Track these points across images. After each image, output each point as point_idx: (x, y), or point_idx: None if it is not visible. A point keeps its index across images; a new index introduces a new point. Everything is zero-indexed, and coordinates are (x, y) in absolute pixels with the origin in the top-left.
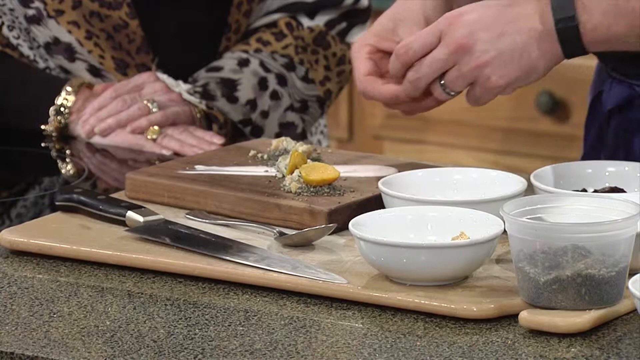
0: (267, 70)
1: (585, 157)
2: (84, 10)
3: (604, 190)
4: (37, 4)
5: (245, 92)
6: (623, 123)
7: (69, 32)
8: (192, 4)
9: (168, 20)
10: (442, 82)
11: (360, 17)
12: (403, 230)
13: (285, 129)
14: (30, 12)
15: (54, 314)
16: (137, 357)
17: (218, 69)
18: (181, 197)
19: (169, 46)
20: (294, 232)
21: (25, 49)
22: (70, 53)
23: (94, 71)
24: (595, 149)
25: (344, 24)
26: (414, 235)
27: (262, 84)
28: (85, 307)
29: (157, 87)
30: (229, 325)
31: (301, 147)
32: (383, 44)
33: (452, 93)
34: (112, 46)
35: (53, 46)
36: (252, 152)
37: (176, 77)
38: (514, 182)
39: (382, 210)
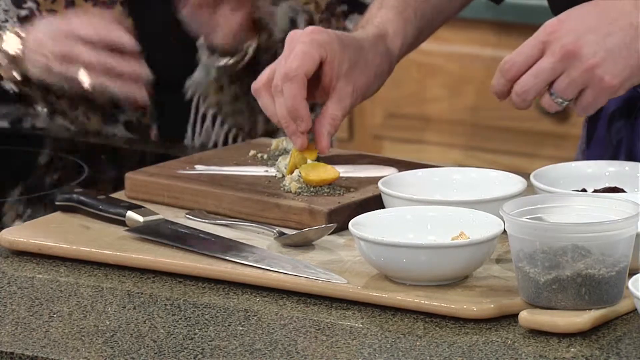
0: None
1: (586, 159)
2: (76, 9)
3: (604, 190)
4: (30, 4)
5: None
6: (625, 126)
7: None
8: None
9: (161, 19)
10: (552, 91)
11: (360, 7)
12: (403, 230)
13: None
14: (23, 12)
15: (54, 313)
16: (137, 357)
17: None
18: (181, 197)
19: (161, 46)
20: (293, 232)
21: None
22: None
23: None
24: (596, 152)
25: (344, 7)
26: (413, 235)
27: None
28: (85, 307)
29: None
30: (229, 325)
31: None
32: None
33: (562, 102)
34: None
35: None
36: (252, 152)
37: (168, 79)
38: (513, 182)
39: (381, 210)
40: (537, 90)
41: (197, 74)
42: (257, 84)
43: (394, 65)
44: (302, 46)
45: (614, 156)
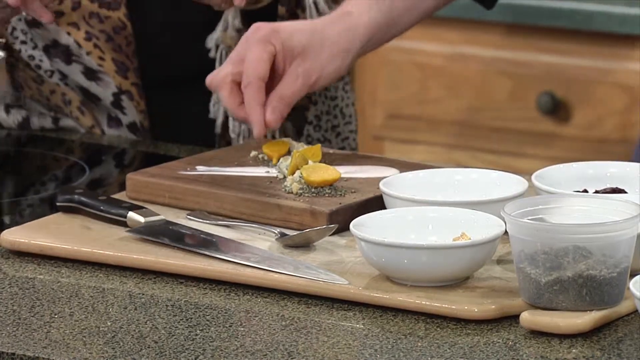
0: None
1: None
2: (83, 11)
3: (605, 191)
4: None
5: None
6: None
7: (68, 33)
8: (188, 3)
9: (160, 20)
10: None
11: None
12: (404, 231)
13: None
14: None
15: (55, 314)
16: (138, 358)
17: None
18: (182, 198)
19: (160, 48)
20: (295, 233)
21: (29, 51)
22: (67, 55)
23: (89, 74)
24: None
25: None
26: (415, 235)
27: None
28: (86, 308)
29: None
30: (230, 326)
31: (302, 147)
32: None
33: None
34: (113, 48)
35: (52, 49)
36: (253, 153)
37: (169, 80)
38: (515, 183)
39: (383, 211)
40: None
41: (219, 28)
42: (215, 79)
43: (360, 43)
44: (252, 53)
45: None
